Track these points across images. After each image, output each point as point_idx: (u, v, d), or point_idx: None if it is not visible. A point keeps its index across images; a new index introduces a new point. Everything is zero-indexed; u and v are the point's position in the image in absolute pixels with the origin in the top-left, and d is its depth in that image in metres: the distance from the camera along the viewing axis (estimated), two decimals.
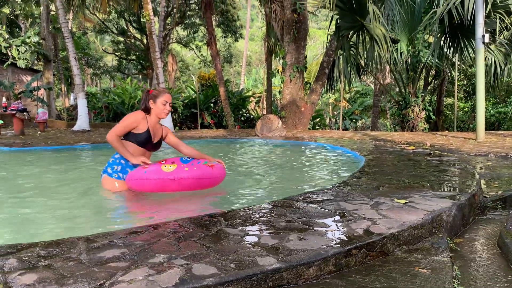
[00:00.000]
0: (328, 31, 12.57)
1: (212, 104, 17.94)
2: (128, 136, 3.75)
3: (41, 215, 3.37)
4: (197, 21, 26.00)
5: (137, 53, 26.73)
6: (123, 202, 3.68)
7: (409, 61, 11.72)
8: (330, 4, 9.77)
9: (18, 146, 8.93)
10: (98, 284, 1.61)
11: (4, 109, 19.52)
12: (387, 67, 14.90)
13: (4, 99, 20.74)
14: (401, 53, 11.48)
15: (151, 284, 1.60)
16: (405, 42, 11.46)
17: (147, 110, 3.83)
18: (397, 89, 13.22)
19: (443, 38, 10.33)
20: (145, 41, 24.55)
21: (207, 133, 11.77)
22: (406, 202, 2.77)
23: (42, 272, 1.74)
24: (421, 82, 14.19)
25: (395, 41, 11.61)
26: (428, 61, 11.17)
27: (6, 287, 1.61)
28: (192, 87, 20.19)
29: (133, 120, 3.74)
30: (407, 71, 11.96)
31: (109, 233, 2.29)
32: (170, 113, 14.29)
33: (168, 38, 23.70)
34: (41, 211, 3.48)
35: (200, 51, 29.46)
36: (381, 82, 16.75)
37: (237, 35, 26.30)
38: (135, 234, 2.27)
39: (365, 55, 11.39)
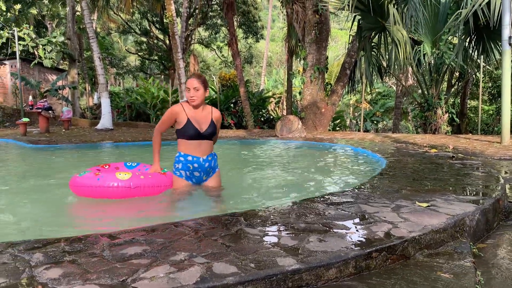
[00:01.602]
0: (350, 31, 12.45)
1: (232, 105, 18.01)
2: (178, 134, 3.75)
3: (65, 211, 3.45)
4: (219, 22, 26.10)
5: (160, 54, 27.02)
6: (143, 200, 3.73)
7: (433, 62, 11.52)
8: (349, 6, 9.68)
9: (44, 143, 9.15)
10: (121, 280, 1.65)
11: (30, 107, 20.00)
12: (410, 69, 14.67)
13: (30, 98, 21.23)
14: (424, 54, 11.29)
15: (172, 281, 1.63)
16: (429, 43, 11.27)
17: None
18: (420, 91, 12.99)
19: (468, 40, 10.12)
20: (167, 41, 24.82)
21: (227, 133, 11.82)
22: (428, 206, 2.73)
23: (67, 267, 1.78)
24: (445, 84, 13.92)
25: (418, 43, 11.43)
26: (452, 62, 10.96)
27: (33, 280, 1.66)
28: (212, 87, 20.29)
29: (168, 114, 3.71)
30: (430, 73, 11.75)
31: (131, 230, 2.34)
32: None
33: (190, 39, 23.88)
34: (65, 207, 3.56)
35: (221, 52, 29.57)
36: (404, 83, 16.50)
37: (258, 35, 26.30)
38: (156, 231, 2.30)
39: (387, 56, 11.24)
